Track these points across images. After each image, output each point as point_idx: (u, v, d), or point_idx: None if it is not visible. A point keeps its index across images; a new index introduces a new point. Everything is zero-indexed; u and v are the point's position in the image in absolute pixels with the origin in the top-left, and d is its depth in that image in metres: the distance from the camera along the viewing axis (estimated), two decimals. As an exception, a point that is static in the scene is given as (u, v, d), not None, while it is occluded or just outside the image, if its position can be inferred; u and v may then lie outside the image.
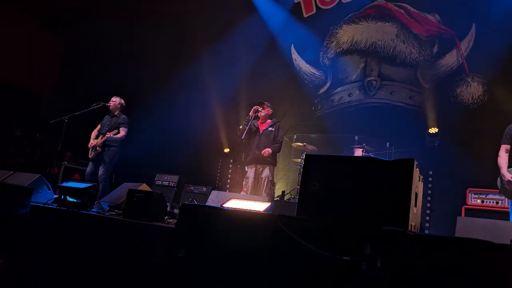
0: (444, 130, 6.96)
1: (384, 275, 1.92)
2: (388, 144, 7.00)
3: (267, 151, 5.57)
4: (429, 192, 6.48)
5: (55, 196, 4.48)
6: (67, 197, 4.06)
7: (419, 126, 7.44)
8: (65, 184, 4.31)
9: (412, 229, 2.18)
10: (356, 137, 7.13)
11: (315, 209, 2.32)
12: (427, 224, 6.28)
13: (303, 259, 2.07)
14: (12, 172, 4.88)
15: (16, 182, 4.49)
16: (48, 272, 3.56)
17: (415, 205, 2.28)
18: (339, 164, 2.45)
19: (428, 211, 6.33)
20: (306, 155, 2.43)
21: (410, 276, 1.89)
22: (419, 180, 2.38)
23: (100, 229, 3.39)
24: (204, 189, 6.97)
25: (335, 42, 8.98)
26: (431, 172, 6.57)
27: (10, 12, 9.18)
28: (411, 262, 1.91)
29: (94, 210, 3.94)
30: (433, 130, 6.91)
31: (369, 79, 8.40)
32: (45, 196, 4.34)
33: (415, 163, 2.19)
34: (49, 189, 4.68)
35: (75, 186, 4.15)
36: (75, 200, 3.96)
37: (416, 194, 2.29)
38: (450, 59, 7.66)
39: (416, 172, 2.26)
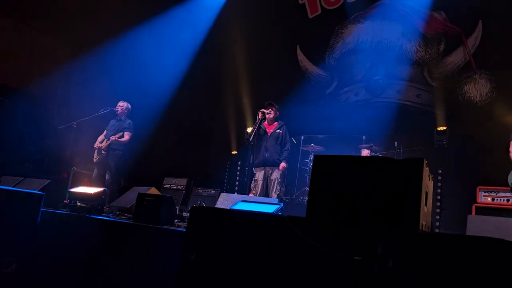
0: (452, 128, 6.91)
1: (396, 275, 1.91)
2: (396, 143, 6.96)
3: (282, 166, 5.64)
4: (439, 191, 6.43)
5: (65, 201, 4.52)
6: (77, 202, 4.10)
7: (427, 125, 7.41)
8: (74, 189, 4.35)
9: (423, 228, 2.16)
10: (364, 137, 7.11)
11: (325, 210, 2.31)
12: (437, 223, 6.23)
13: (313, 260, 2.07)
14: (23, 178, 4.94)
15: (27, 188, 4.54)
16: (59, 276, 3.58)
17: (426, 204, 2.27)
18: (348, 164, 2.43)
19: (438, 210, 6.28)
20: (314, 156, 2.43)
21: (422, 275, 1.88)
22: (429, 179, 2.37)
23: (110, 233, 3.41)
24: (213, 191, 6.97)
25: (340, 42, 8.96)
26: (440, 171, 6.53)
27: (15, 21, 9.27)
28: (422, 261, 1.90)
29: (104, 214, 3.97)
30: (441, 128, 6.87)
31: (375, 78, 8.36)
32: (55, 202, 4.38)
33: (425, 161, 2.18)
34: (59, 195, 4.72)
35: (85, 191, 4.19)
36: (85, 205, 3.99)
37: (426, 193, 2.27)
38: (457, 57, 7.61)
39: (426, 171, 2.24)
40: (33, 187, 4.60)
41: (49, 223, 3.78)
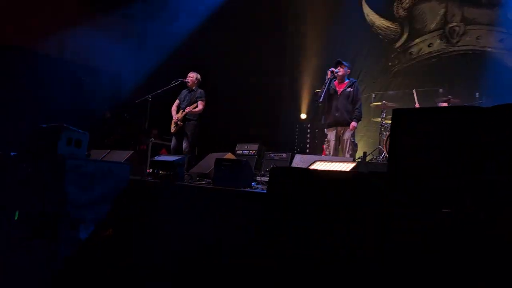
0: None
1: (488, 226, 1.83)
2: (477, 93, 6.48)
3: (353, 126, 5.49)
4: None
5: (148, 170, 4.82)
6: (159, 170, 4.36)
7: (513, 71, 6.80)
8: (156, 158, 4.62)
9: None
10: (441, 90, 6.70)
11: (408, 165, 2.24)
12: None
13: (399, 216, 2.03)
14: (109, 150, 5.33)
15: (113, 159, 4.90)
16: (149, 239, 3.87)
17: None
18: (430, 116, 2.32)
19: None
20: (393, 110, 2.34)
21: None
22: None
23: (193, 197, 3.59)
24: (284, 155, 7.01)
25: (410, -10, 8.38)
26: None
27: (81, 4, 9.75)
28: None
29: (185, 180, 4.19)
30: (530, 74, 6.26)
31: (451, 25, 7.75)
32: (139, 171, 4.70)
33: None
34: (142, 164, 5.05)
35: (166, 159, 4.43)
36: (166, 172, 4.23)
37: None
38: (548, -9, 6.81)
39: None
40: (119, 158, 4.95)
41: (136, 191, 4.07)
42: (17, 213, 3.95)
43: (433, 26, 8.06)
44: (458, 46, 7.67)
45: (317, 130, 8.17)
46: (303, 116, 9.00)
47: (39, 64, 8.40)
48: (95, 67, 9.49)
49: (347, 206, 2.18)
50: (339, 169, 2.98)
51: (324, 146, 5.73)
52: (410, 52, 8.32)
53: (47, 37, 8.85)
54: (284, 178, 2.46)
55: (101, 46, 9.33)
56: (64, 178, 3.50)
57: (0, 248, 4.04)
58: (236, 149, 7.68)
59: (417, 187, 1.99)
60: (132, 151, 5.14)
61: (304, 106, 8.97)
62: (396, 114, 2.38)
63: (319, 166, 3.17)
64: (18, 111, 7.93)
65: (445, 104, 6.42)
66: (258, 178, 4.88)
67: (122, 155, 5.11)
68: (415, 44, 8.28)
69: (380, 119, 6.95)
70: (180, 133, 6.45)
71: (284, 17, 9.40)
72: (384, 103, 6.95)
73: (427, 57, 8.05)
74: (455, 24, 7.73)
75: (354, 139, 5.61)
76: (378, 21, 8.74)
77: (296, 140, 8.90)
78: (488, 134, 2.04)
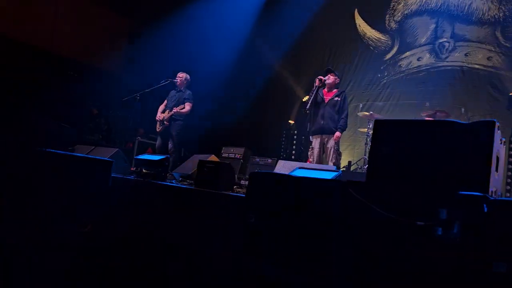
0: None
1: (461, 241, 1.85)
2: (463, 109, 6.58)
3: (337, 136, 5.49)
4: (511, 159, 6.03)
5: (132, 168, 4.79)
6: (143, 168, 4.33)
7: (499, 90, 6.90)
8: (140, 156, 4.59)
9: (493, 195, 2.06)
10: (427, 104, 6.78)
11: (386, 175, 2.26)
12: (508, 194, 5.88)
13: (374, 226, 2.04)
14: (94, 147, 5.28)
15: (98, 156, 4.85)
16: (126, 236, 3.84)
17: (496, 170, 2.15)
18: (411, 128, 2.34)
19: (510, 180, 5.91)
20: (375, 120, 2.36)
21: (489, 243, 1.80)
22: (501, 143, 2.23)
23: (174, 198, 3.58)
24: (270, 160, 7.03)
25: (402, 4, 8.48)
26: (513, 138, 6.10)
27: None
28: (491, 228, 1.81)
29: (167, 180, 4.17)
30: (514, 92, 6.37)
31: (441, 40, 7.86)
32: (123, 169, 4.66)
33: (496, 124, 2.05)
34: (126, 162, 5.02)
35: (150, 158, 4.41)
36: (149, 171, 4.21)
37: (498, 158, 2.15)
38: (536, 13, 6.95)
39: (498, 134, 2.11)
40: (103, 155, 4.90)
41: (119, 188, 4.04)
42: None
43: (423, 40, 8.16)
44: (447, 61, 7.77)
45: (303, 137, 8.20)
46: (290, 121, 9.03)
47: (30, 59, 8.33)
48: (85, 63, 9.42)
49: (321, 214, 2.19)
50: (319, 177, 2.98)
51: (309, 153, 5.75)
52: (400, 64, 8.41)
53: (36, 30, 8.77)
54: (262, 183, 2.47)
55: (93, 42, 9.29)
56: (44, 175, 3.45)
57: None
58: (222, 151, 7.67)
59: (392, 199, 2.01)
60: (117, 149, 5.09)
61: (292, 112, 9.01)
62: (377, 124, 2.41)
63: (301, 172, 3.18)
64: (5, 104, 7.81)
65: (431, 118, 6.50)
66: (242, 182, 4.88)
67: (107, 152, 5.06)
68: (405, 57, 8.38)
69: (366, 129, 7.01)
70: (166, 133, 6.43)
71: (275, 23, 9.44)
72: (371, 114, 7.02)
73: (416, 70, 8.15)
74: (445, 39, 7.84)
75: (338, 147, 5.64)
76: (370, 32, 8.83)
77: (282, 146, 8.93)
78: (465, 148, 2.08)
